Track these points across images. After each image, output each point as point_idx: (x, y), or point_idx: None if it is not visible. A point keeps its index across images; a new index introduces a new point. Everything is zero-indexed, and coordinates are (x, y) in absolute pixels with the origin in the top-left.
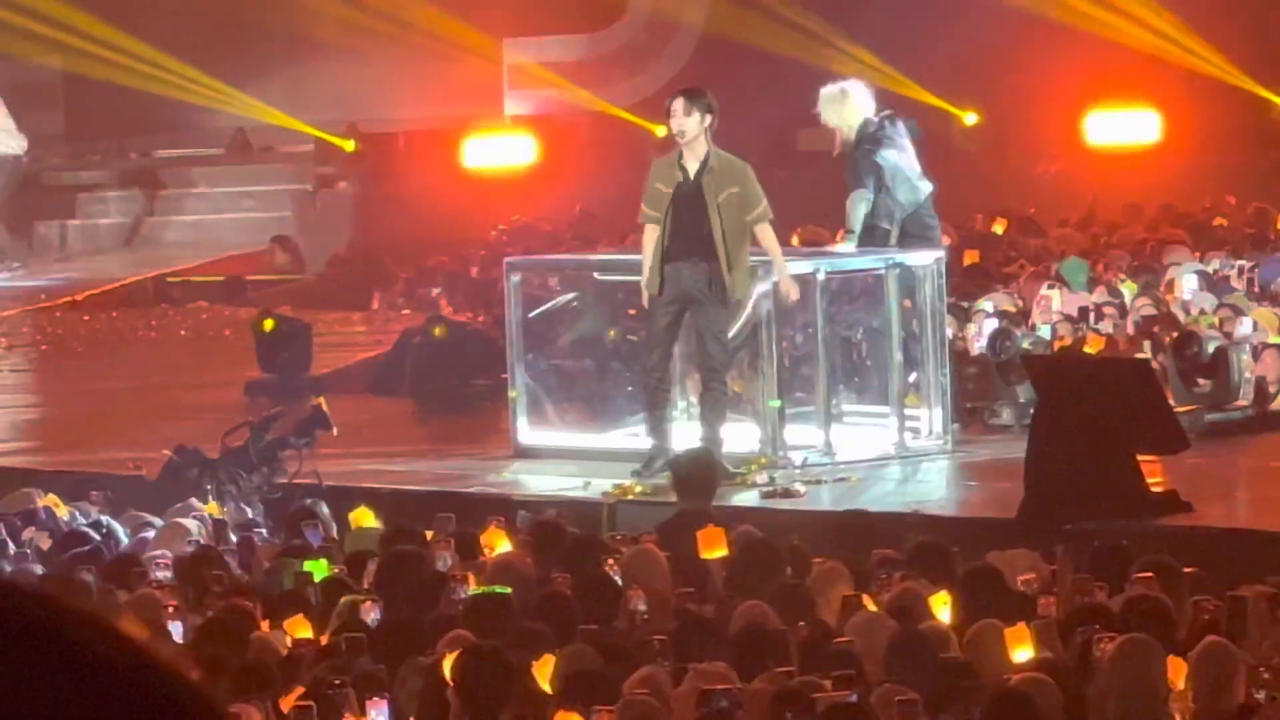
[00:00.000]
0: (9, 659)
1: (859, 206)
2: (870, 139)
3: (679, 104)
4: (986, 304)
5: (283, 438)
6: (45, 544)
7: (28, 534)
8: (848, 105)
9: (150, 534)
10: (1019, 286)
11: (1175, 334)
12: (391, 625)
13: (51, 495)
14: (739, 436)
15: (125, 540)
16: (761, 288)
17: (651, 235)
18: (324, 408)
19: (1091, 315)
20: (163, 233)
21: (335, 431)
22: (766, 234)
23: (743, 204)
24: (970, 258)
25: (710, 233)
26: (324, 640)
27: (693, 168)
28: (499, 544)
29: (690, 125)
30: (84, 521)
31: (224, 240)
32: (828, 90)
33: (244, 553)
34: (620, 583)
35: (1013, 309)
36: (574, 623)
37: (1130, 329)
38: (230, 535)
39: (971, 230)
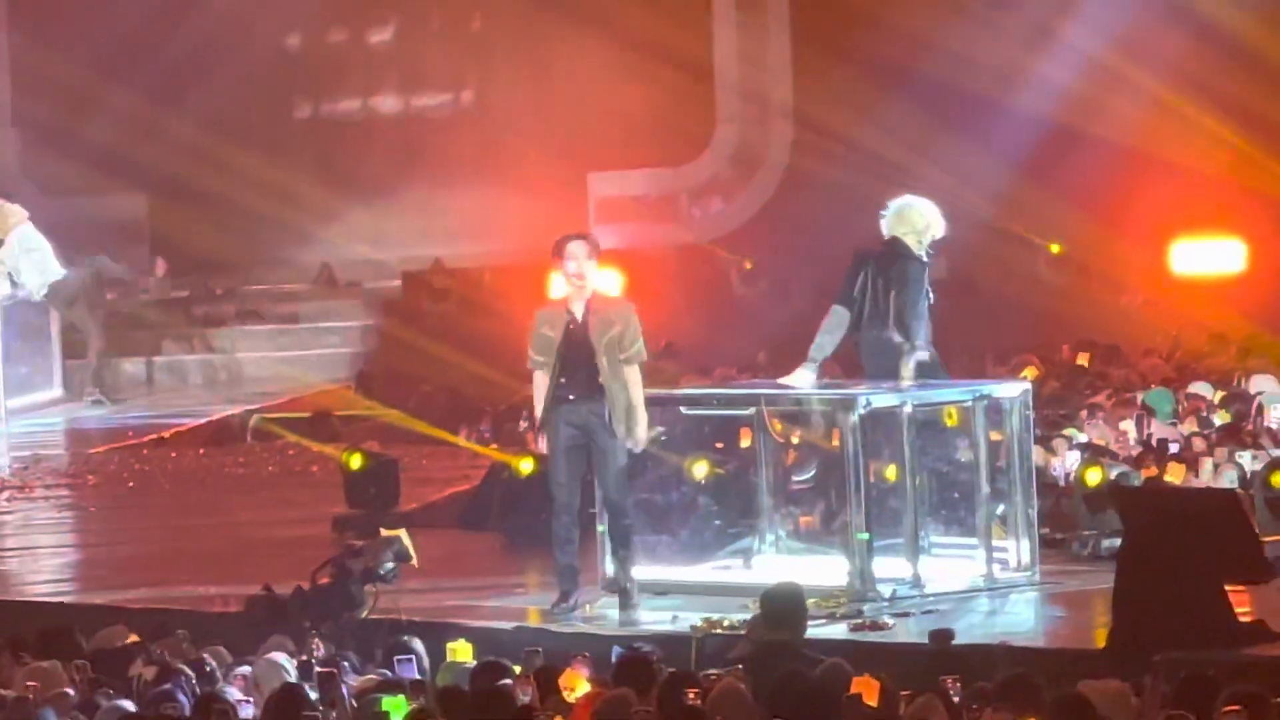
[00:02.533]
0: None
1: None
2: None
3: (581, 248)
4: (1074, 434)
5: (368, 570)
6: (152, 676)
7: (134, 669)
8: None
9: (244, 670)
10: (1105, 416)
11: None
12: None
13: (133, 635)
14: (827, 569)
15: (220, 678)
16: (847, 422)
17: (541, 381)
18: (404, 539)
19: (1174, 445)
20: (249, 369)
21: (415, 562)
22: (633, 374)
23: (620, 344)
24: (1049, 388)
25: (598, 373)
26: None
27: (579, 310)
28: (578, 685)
29: (590, 269)
30: (181, 659)
31: (310, 376)
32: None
33: (326, 689)
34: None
35: (1101, 440)
36: None
37: (1215, 459)
38: (316, 672)
39: (1057, 361)
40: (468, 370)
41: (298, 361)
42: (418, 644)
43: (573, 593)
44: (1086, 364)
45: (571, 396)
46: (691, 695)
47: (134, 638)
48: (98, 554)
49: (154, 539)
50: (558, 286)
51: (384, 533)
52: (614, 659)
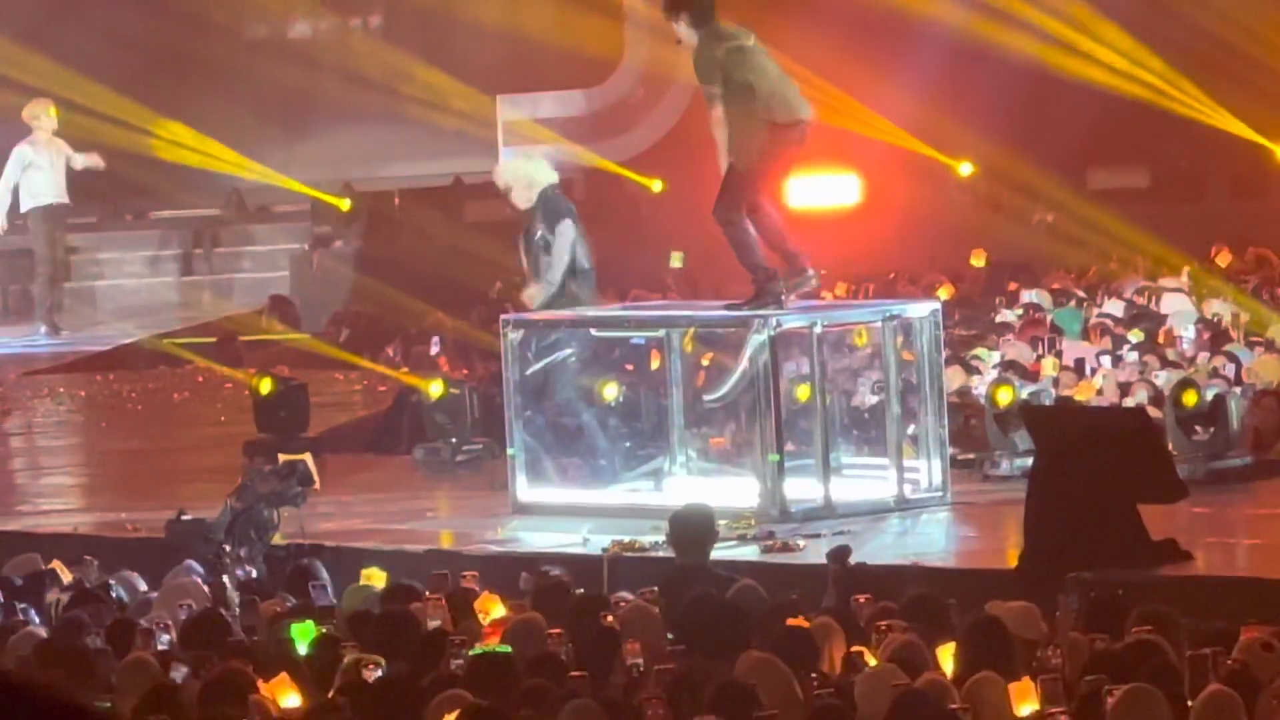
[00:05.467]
0: None
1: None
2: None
3: None
4: (985, 355)
5: (275, 494)
6: (68, 602)
7: (52, 595)
8: (539, 169)
9: (154, 597)
10: (1015, 335)
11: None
12: (390, 686)
13: (56, 561)
14: (738, 491)
15: (131, 603)
16: (757, 339)
17: None
18: (308, 463)
19: (1087, 364)
20: (159, 294)
21: (318, 484)
22: None
23: None
24: (947, 292)
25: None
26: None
27: None
28: (493, 609)
29: None
30: (89, 585)
31: (221, 301)
32: (521, 153)
33: (248, 614)
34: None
35: (1018, 359)
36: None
37: (1125, 377)
38: (233, 596)
39: (966, 279)
40: (379, 293)
41: (209, 286)
42: (321, 568)
43: None
44: (982, 264)
45: None
46: (604, 618)
47: (57, 564)
48: (8, 480)
49: (64, 466)
50: (471, 210)
51: (286, 457)
52: (521, 584)
